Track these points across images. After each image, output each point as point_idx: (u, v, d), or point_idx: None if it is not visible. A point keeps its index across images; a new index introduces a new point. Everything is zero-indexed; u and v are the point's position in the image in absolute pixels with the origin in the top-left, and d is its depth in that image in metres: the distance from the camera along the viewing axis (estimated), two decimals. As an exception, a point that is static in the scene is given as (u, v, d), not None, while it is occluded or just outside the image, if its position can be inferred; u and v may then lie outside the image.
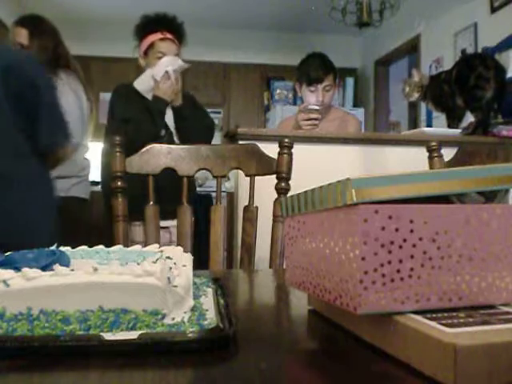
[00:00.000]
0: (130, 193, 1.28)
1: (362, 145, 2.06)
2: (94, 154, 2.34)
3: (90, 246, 0.70)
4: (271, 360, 0.44)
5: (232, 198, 2.58)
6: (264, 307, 0.71)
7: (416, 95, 2.29)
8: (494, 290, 0.47)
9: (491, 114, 2.20)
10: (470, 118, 3.07)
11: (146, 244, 1.16)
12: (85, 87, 2.22)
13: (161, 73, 2.03)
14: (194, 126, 2.06)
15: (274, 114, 4.69)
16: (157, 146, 1.27)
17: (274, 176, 1.28)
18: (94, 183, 2.79)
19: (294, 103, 4.77)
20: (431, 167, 1.35)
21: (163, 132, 2.00)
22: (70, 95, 2.11)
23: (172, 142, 1.97)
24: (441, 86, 2.22)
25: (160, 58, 2.08)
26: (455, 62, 2.31)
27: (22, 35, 2.12)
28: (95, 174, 2.40)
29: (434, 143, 1.37)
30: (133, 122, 1.93)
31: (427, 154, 1.37)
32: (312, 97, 2.31)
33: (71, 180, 2.16)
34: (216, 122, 5.31)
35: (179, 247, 0.69)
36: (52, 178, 2.10)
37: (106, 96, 4.97)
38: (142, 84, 2.14)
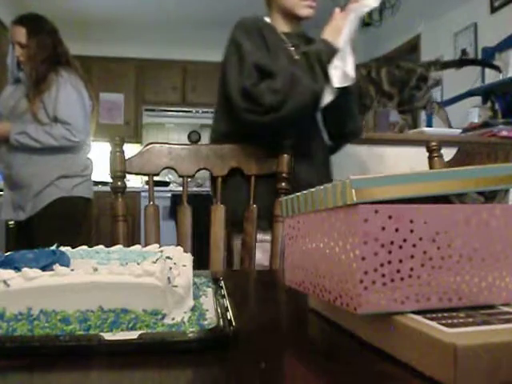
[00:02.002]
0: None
1: (362, 145, 2.06)
2: (95, 153, 2.33)
3: (90, 246, 0.70)
4: (271, 360, 0.44)
5: (232, 198, 2.58)
6: (264, 307, 0.71)
7: None
8: (493, 290, 0.47)
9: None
10: (470, 119, 3.07)
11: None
12: (86, 85, 2.22)
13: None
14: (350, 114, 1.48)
15: (274, 114, 4.68)
16: (157, 145, 1.27)
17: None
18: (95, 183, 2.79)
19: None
20: (431, 167, 1.36)
21: (329, 97, 1.32)
22: (72, 93, 2.11)
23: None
24: (367, 87, 2.20)
25: None
26: (374, 65, 2.28)
27: (21, 34, 2.12)
28: (97, 174, 2.40)
29: (434, 143, 1.37)
30: (281, 73, 1.26)
31: (427, 154, 1.37)
32: None
33: (75, 180, 2.16)
34: (216, 122, 5.32)
35: (179, 247, 0.69)
36: (56, 177, 2.10)
37: (105, 96, 4.99)
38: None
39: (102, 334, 0.45)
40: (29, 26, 2.13)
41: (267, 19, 1.48)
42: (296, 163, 1.33)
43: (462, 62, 2.78)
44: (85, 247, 0.69)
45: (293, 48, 1.40)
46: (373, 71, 2.16)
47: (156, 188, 1.38)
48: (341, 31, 1.28)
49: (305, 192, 0.54)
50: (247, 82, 1.26)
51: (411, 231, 0.45)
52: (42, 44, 2.11)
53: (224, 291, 0.64)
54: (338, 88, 1.30)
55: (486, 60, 3.15)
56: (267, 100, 1.23)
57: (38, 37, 2.11)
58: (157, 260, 0.52)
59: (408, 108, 2.19)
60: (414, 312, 0.44)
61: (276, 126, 1.28)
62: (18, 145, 2.06)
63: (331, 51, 1.28)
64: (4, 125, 2.10)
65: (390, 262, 0.44)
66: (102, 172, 2.62)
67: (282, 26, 1.46)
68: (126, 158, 1.23)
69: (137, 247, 0.70)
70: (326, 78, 1.27)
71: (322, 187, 0.50)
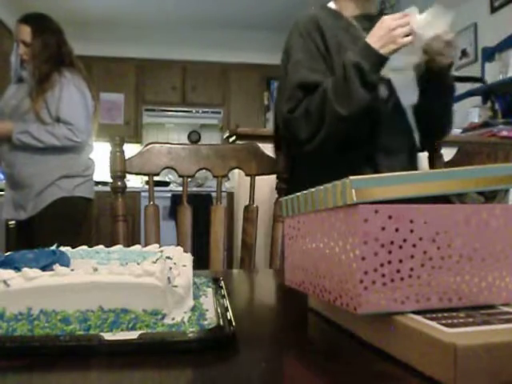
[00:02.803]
0: None
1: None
2: (95, 153, 2.33)
3: (90, 246, 0.70)
4: (271, 360, 0.44)
5: (232, 198, 2.58)
6: (264, 307, 0.71)
7: None
8: (493, 290, 0.47)
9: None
10: (470, 119, 3.07)
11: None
12: (89, 86, 2.22)
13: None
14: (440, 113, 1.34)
15: (274, 114, 4.69)
16: (157, 145, 1.27)
17: (274, 176, 1.29)
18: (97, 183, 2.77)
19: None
20: (431, 167, 1.36)
21: (388, 101, 1.22)
22: (75, 93, 2.11)
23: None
24: None
25: None
26: None
27: (25, 33, 2.12)
28: (98, 174, 2.39)
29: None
30: (319, 90, 1.20)
31: (427, 153, 1.37)
32: None
33: (76, 180, 2.16)
34: (216, 122, 5.33)
35: (179, 247, 0.69)
36: (57, 177, 2.11)
37: (106, 96, 4.99)
38: None
39: (102, 333, 0.45)
40: (34, 25, 2.13)
41: (332, 5, 1.40)
42: (378, 160, 1.26)
43: None
44: (85, 247, 0.69)
45: (364, 33, 1.29)
46: None
47: (156, 188, 1.38)
48: (393, 36, 1.11)
49: (305, 192, 0.54)
50: (286, 107, 1.23)
51: (411, 231, 0.45)
52: (46, 43, 2.11)
53: (224, 291, 0.64)
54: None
55: (466, 76, 3.15)
56: (302, 135, 1.21)
57: (43, 36, 2.12)
58: (157, 260, 0.52)
59: None
60: (414, 312, 0.44)
61: (314, 152, 1.24)
62: (21, 144, 2.06)
63: (376, 59, 1.13)
64: (6, 124, 2.11)
65: (390, 262, 0.44)
66: (102, 172, 2.62)
67: (351, 9, 1.36)
68: (126, 158, 1.23)
69: (137, 247, 0.70)
70: (369, 89, 1.15)
71: (321, 187, 0.50)
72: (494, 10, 3.45)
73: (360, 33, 1.31)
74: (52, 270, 0.49)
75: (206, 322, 0.49)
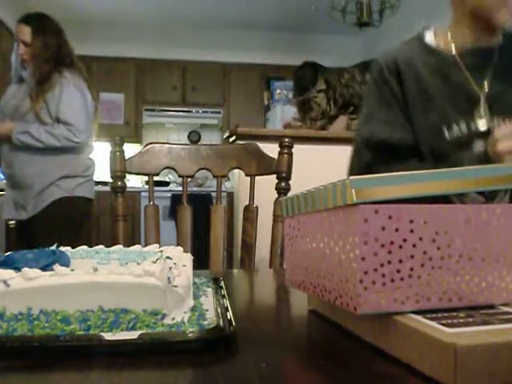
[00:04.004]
0: None
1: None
2: (95, 153, 2.33)
3: (90, 246, 0.70)
4: (271, 360, 0.44)
5: (232, 198, 2.58)
6: (264, 307, 0.71)
7: None
8: (493, 290, 0.47)
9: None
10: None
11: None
12: (90, 86, 2.22)
13: None
14: None
15: (274, 113, 4.69)
16: (157, 145, 1.27)
17: (274, 176, 1.29)
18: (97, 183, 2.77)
19: (294, 103, 4.76)
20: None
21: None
22: (75, 94, 2.11)
23: None
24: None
25: None
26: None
27: (25, 33, 2.12)
28: (97, 174, 2.39)
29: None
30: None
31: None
32: None
33: (76, 180, 2.16)
34: (216, 122, 5.33)
35: (179, 247, 0.69)
36: (58, 177, 2.11)
37: (105, 96, 4.99)
38: None
39: (102, 333, 0.45)
40: (34, 25, 2.13)
41: (429, 35, 1.10)
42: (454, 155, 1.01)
43: None
44: (85, 247, 0.69)
45: (466, 73, 1.03)
46: (357, 76, 2.17)
47: (156, 188, 1.38)
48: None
49: (305, 192, 0.54)
50: (350, 163, 1.12)
51: (411, 231, 0.45)
52: (46, 43, 2.11)
53: (224, 291, 0.64)
54: None
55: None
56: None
57: (43, 36, 2.11)
58: (157, 260, 0.52)
59: None
60: (414, 312, 0.44)
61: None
62: (21, 144, 2.06)
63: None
64: (7, 124, 2.11)
65: (389, 262, 0.44)
66: (102, 172, 2.62)
67: (461, 40, 1.05)
68: (126, 158, 1.23)
69: (137, 247, 0.70)
70: None
71: (321, 187, 0.50)
72: (493, 9, 3.45)
73: (459, 73, 1.03)
74: (52, 270, 0.49)
75: (206, 322, 0.49)
